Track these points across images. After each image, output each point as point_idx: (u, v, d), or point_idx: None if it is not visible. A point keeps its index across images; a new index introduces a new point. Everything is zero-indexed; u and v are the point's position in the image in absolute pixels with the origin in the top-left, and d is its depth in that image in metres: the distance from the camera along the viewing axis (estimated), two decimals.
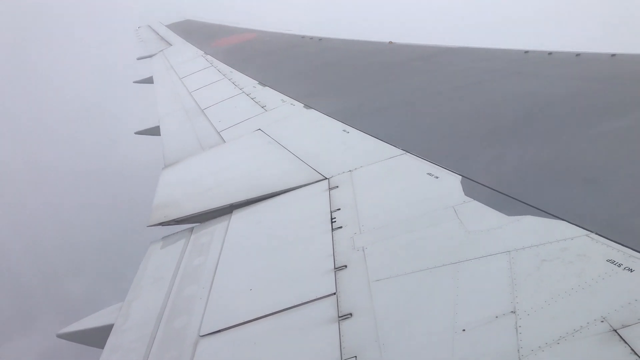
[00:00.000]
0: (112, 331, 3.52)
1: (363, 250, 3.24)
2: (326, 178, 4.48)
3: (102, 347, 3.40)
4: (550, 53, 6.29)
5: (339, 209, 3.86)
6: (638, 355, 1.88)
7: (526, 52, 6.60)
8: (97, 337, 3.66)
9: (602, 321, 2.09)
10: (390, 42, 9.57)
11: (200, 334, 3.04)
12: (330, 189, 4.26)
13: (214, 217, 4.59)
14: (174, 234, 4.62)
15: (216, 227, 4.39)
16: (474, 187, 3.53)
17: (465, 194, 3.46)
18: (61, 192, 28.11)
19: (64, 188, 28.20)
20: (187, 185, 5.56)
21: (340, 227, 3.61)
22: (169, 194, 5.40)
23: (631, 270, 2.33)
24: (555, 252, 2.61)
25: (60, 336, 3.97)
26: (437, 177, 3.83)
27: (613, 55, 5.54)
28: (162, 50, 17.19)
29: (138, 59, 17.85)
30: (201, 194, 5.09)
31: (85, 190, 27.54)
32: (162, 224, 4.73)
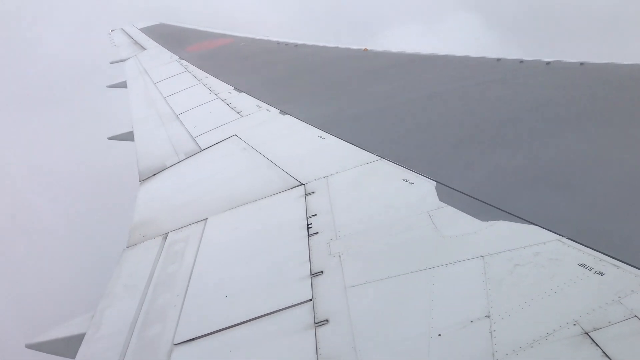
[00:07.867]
0: (83, 340, 3.45)
1: (339, 256, 3.24)
2: (302, 184, 4.48)
3: (74, 358, 3.33)
4: (521, 61, 6.41)
5: (315, 215, 3.86)
6: (609, 358, 1.92)
7: (498, 60, 6.72)
8: (68, 347, 3.58)
9: (574, 324, 2.13)
10: (366, 49, 9.64)
11: (175, 342, 3.00)
12: (306, 194, 4.25)
13: None
14: (147, 240, 4.56)
15: (191, 234, 4.33)
16: (449, 192, 3.57)
17: (439, 200, 3.49)
18: (32, 199, 27.51)
19: (35, 194, 27.60)
20: (164, 202, 5.47)
21: (317, 233, 3.60)
22: (147, 212, 5.31)
23: (602, 274, 2.38)
24: (528, 256, 2.65)
25: (29, 347, 3.87)
26: (412, 183, 3.86)
27: (582, 64, 5.68)
28: (135, 54, 16.96)
29: (111, 62, 17.58)
30: (178, 210, 5.03)
31: (57, 195, 27.00)
32: None
